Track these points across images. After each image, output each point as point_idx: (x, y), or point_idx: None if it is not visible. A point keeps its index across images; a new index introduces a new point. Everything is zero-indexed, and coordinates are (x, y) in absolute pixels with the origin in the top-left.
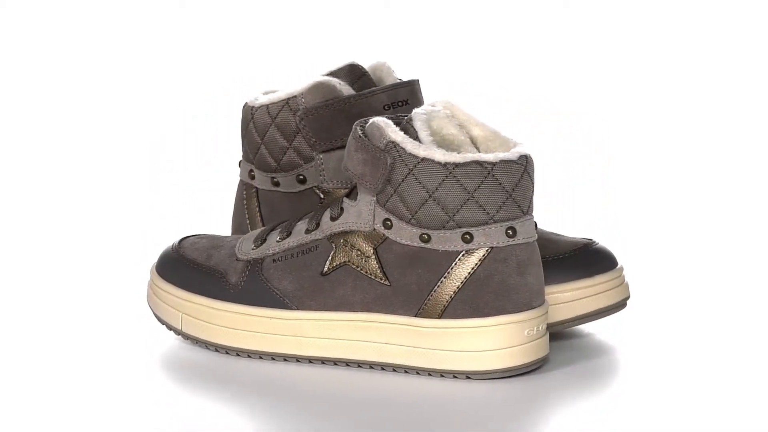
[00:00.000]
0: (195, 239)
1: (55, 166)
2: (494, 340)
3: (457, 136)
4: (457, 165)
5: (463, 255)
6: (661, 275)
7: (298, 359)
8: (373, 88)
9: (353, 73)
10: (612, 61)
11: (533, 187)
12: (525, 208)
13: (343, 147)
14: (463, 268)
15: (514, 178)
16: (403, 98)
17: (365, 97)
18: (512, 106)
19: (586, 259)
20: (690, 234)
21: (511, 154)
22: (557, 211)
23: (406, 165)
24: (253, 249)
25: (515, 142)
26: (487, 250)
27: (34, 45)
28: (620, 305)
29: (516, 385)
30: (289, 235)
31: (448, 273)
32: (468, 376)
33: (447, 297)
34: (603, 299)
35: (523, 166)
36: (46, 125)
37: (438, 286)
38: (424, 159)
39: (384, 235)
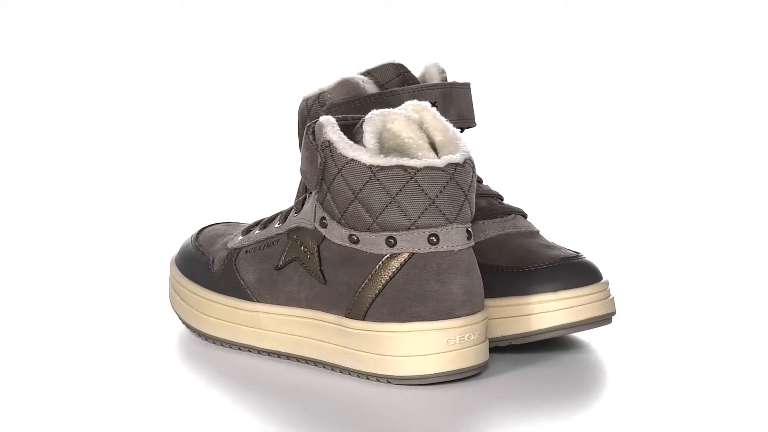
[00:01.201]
0: (216, 226)
1: (79, 164)
2: (410, 346)
3: (416, 140)
4: (381, 168)
5: (386, 258)
6: (648, 290)
7: (259, 351)
8: (396, 89)
9: (389, 72)
10: (603, 68)
11: (465, 195)
12: (451, 216)
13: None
14: (385, 272)
15: (438, 185)
16: (431, 100)
17: (385, 96)
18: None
19: (567, 272)
20: (680, 246)
21: (439, 161)
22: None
23: (336, 165)
24: (238, 239)
25: (464, 149)
26: (408, 255)
27: (35, 45)
28: (601, 320)
29: (453, 392)
30: (265, 227)
31: (372, 275)
32: (388, 380)
33: (369, 299)
34: (580, 312)
35: (450, 174)
36: (65, 123)
37: (362, 288)
38: (351, 160)
39: (322, 233)
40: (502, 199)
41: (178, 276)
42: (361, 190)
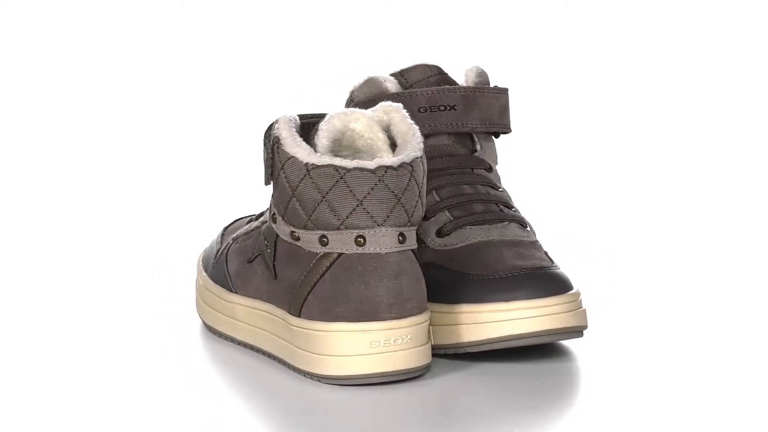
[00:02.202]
0: (242, 220)
1: (88, 164)
2: (334, 346)
3: (376, 141)
4: (315, 166)
5: (319, 257)
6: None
7: (234, 341)
8: (415, 89)
9: (418, 73)
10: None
11: (397, 199)
12: (379, 218)
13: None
14: (317, 270)
15: (366, 187)
16: (448, 103)
17: (403, 96)
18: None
19: (527, 282)
20: (680, 249)
21: (370, 163)
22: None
23: (280, 161)
24: (238, 231)
25: (413, 154)
26: (337, 255)
27: (35, 45)
28: (562, 332)
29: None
30: (257, 219)
31: (307, 273)
32: (319, 379)
33: (303, 297)
34: (533, 323)
35: (379, 176)
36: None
37: (299, 285)
38: (291, 157)
39: (274, 229)
40: (510, 207)
41: (198, 269)
42: (297, 187)
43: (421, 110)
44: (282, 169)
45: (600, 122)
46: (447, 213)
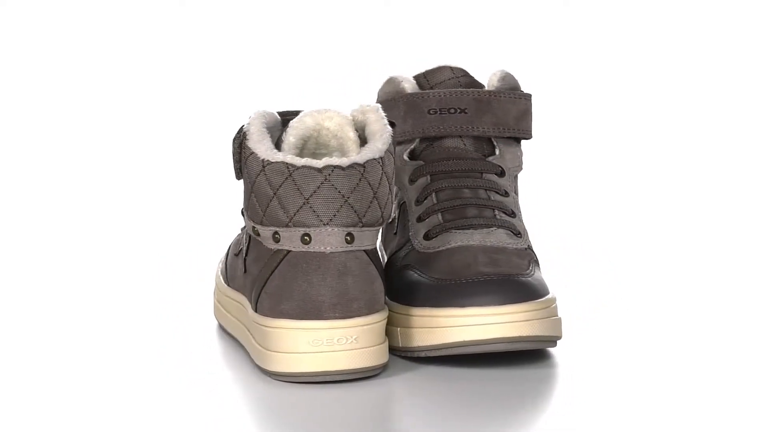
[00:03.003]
0: None
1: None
2: (278, 342)
3: (346, 141)
4: (269, 163)
5: (273, 253)
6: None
7: (225, 332)
8: (428, 91)
9: (440, 75)
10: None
11: (344, 198)
12: (325, 217)
13: (395, 144)
14: (270, 266)
15: (312, 185)
16: (459, 106)
17: (415, 97)
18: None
19: (488, 288)
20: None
21: (318, 162)
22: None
23: (244, 156)
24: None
25: (371, 155)
26: (286, 252)
27: (35, 45)
28: (525, 341)
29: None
30: None
31: (262, 269)
32: (268, 375)
33: (258, 292)
34: (490, 330)
35: (326, 175)
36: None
37: (257, 280)
38: (252, 152)
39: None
40: (511, 214)
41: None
42: (254, 182)
43: (431, 112)
44: (245, 163)
45: (599, 122)
46: (439, 216)
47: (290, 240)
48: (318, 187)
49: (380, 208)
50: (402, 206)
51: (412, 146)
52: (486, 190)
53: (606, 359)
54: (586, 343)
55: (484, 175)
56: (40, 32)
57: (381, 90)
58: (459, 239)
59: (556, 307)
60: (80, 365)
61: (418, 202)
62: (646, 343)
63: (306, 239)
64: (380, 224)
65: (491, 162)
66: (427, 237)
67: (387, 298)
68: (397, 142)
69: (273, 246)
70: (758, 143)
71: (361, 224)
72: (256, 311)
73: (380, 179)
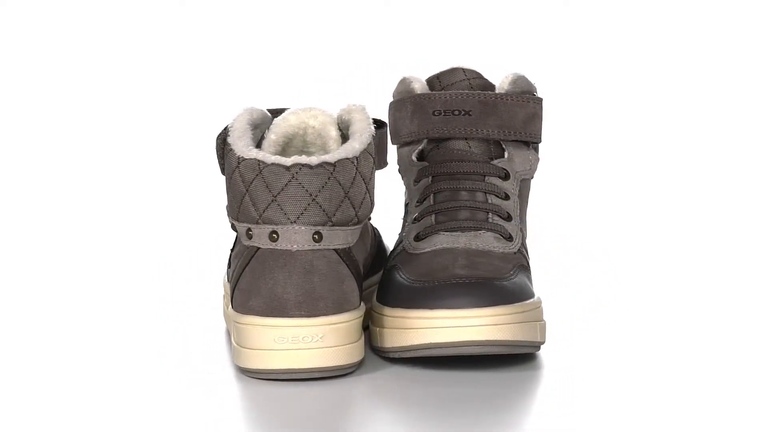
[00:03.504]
0: None
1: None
2: (246, 339)
3: (328, 140)
4: (243, 159)
5: (247, 250)
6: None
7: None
8: (434, 92)
9: (452, 76)
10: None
11: (311, 197)
12: (292, 215)
13: (404, 144)
14: (243, 263)
15: (280, 183)
16: (463, 108)
17: (421, 98)
18: None
19: (457, 291)
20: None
21: (288, 160)
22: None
23: (226, 152)
24: None
25: (343, 155)
26: (256, 249)
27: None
28: (506, 345)
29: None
30: None
31: (238, 264)
32: (242, 372)
33: (233, 288)
34: (457, 333)
35: (293, 173)
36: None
37: (233, 276)
38: (231, 149)
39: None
40: (507, 218)
41: None
42: (231, 178)
43: (436, 113)
44: (225, 158)
45: (599, 122)
46: (433, 217)
47: (260, 237)
48: (285, 185)
49: (353, 207)
50: (407, 207)
51: (420, 147)
52: (485, 192)
53: (606, 359)
54: (585, 343)
55: (487, 178)
56: (26, 30)
57: (395, 90)
58: (445, 241)
59: (537, 311)
60: (79, 364)
61: (419, 203)
62: (645, 344)
63: (274, 237)
64: (355, 224)
65: (495, 165)
66: (417, 238)
67: (375, 297)
68: (405, 142)
69: (247, 242)
70: (757, 144)
71: (330, 223)
72: (232, 307)
73: (353, 179)
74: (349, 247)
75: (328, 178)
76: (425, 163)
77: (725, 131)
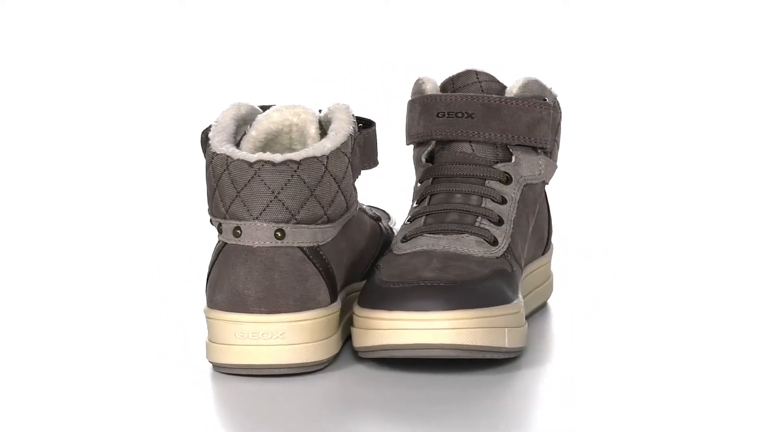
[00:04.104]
0: None
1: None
2: (212, 332)
3: (306, 138)
4: (216, 154)
5: (218, 244)
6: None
7: None
8: (439, 94)
9: (464, 79)
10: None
11: (274, 194)
12: (255, 212)
13: (414, 145)
14: (213, 256)
15: (243, 179)
16: (466, 110)
17: (428, 99)
18: None
19: (414, 294)
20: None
21: (253, 156)
22: None
23: (206, 147)
24: None
25: (310, 153)
26: (223, 244)
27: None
28: (469, 350)
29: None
30: None
31: (211, 259)
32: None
33: (206, 281)
34: (407, 335)
35: (256, 170)
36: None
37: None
38: (208, 144)
39: None
40: (497, 222)
41: None
42: (206, 172)
43: (440, 115)
44: (205, 152)
45: (599, 122)
46: (422, 219)
47: (227, 232)
48: (248, 181)
49: (321, 206)
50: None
51: (429, 148)
52: (481, 196)
53: (606, 359)
54: (585, 343)
55: (487, 181)
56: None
57: (412, 90)
58: (425, 243)
59: (508, 317)
60: (63, 357)
61: (417, 204)
62: (646, 344)
63: (237, 232)
64: (325, 222)
65: (497, 169)
66: (404, 239)
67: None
68: (414, 143)
69: (219, 237)
70: (757, 144)
71: (295, 221)
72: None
73: (321, 178)
74: (318, 246)
75: (291, 176)
76: (430, 165)
77: (725, 131)
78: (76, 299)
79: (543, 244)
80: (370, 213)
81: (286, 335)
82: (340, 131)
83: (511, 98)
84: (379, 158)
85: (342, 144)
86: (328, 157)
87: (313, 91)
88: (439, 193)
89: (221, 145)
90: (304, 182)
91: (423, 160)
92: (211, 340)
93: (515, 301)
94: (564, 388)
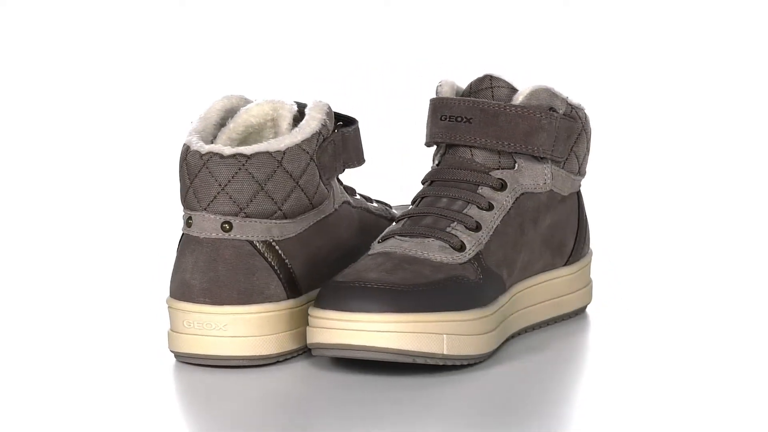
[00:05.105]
0: None
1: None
2: (169, 320)
3: (280, 133)
4: (184, 144)
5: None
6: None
7: None
8: (444, 97)
9: (479, 83)
10: None
11: (221, 187)
12: (203, 203)
13: (429, 144)
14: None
15: (194, 170)
16: (465, 115)
17: (435, 102)
18: None
19: (348, 294)
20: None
21: (205, 147)
22: None
23: None
24: None
25: (266, 148)
26: (182, 234)
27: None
28: (395, 353)
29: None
30: None
31: None
32: None
33: None
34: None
35: (204, 161)
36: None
37: None
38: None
39: None
40: (473, 228)
41: None
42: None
43: (443, 119)
44: None
45: (600, 122)
46: (403, 222)
47: (183, 221)
48: (198, 172)
49: (273, 201)
50: None
51: (441, 151)
52: (467, 202)
53: (605, 359)
54: (585, 342)
55: (480, 188)
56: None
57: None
58: (391, 245)
59: (453, 324)
60: (63, 354)
61: (411, 205)
62: (645, 344)
63: (189, 222)
64: (279, 218)
65: (491, 176)
66: (380, 240)
67: None
68: (427, 144)
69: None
70: (757, 144)
71: (244, 214)
72: None
73: (273, 173)
74: (274, 241)
75: (239, 169)
76: (435, 167)
77: (725, 131)
78: (75, 296)
79: (563, 255)
80: (374, 209)
81: (228, 327)
82: (305, 129)
83: (511, 105)
84: (389, 158)
85: (303, 141)
86: (284, 153)
87: (332, 90)
88: (428, 197)
89: (187, 136)
90: (253, 176)
91: (435, 162)
92: (170, 327)
93: (471, 310)
94: (564, 388)
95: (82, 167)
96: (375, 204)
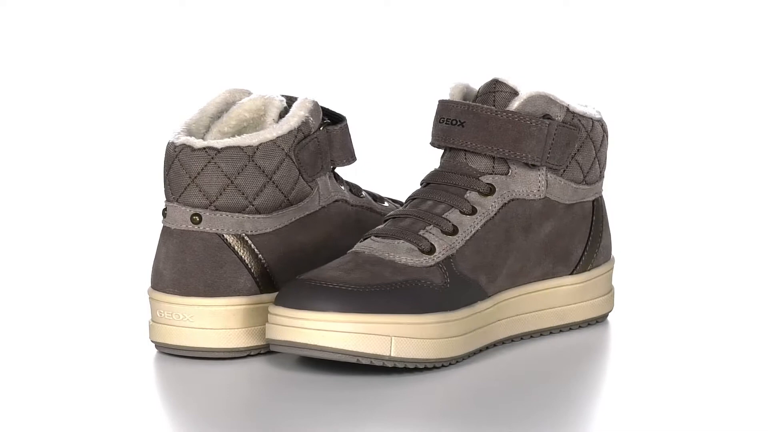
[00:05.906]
0: None
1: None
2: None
3: (264, 127)
4: (168, 142)
5: None
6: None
7: None
8: (446, 100)
9: (485, 86)
10: None
11: (191, 179)
12: (175, 193)
13: (436, 147)
14: None
15: (168, 161)
16: (458, 119)
17: (439, 105)
18: None
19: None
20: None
21: (179, 139)
22: None
23: None
24: None
25: (240, 143)
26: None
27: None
28: (341, 353)
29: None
30: None
31: None
32: None
33: None
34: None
35: (176, 154)
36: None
37: None
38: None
39: None
40: (449, 232)
41: None
42: None
43: (441, 121)
44: None
45: (624, 128)
46: (387, 222)
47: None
48: (172, 164)
49: (244, 196)
50: None
51: (443, 154)
52: (450, 205)
53: (605, 359)
54: (584, 343)
55: (467, 192)
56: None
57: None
58: (362, 246)
59: (404, 326)
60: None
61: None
62: (646, 344)
63: (164, 213)
64: (251, 212)
65: (481, 180)
66: (361, 239)
67: None
68: (431, 145)
69: None
70: (757, 144)
71: (213, 207)
72: None
73: (242, 168)
74: (247, 235)
75: (208, 162)
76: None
77: (725, 131)
78: (71, 292)
79: (568, 264)
80: (380, 208)
81: (195, 319)
82: (283, 125)
83: (503, 111)
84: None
85: (279, 137)
86: (256, 149)
87: (348, 88)
88: (417, 198)
89: (177, 128)
90: (222, 170)
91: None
92: (149, 317)
93: (429, 314)
94: (564, 388)
95: (82, 165)
96: (386, 203)
